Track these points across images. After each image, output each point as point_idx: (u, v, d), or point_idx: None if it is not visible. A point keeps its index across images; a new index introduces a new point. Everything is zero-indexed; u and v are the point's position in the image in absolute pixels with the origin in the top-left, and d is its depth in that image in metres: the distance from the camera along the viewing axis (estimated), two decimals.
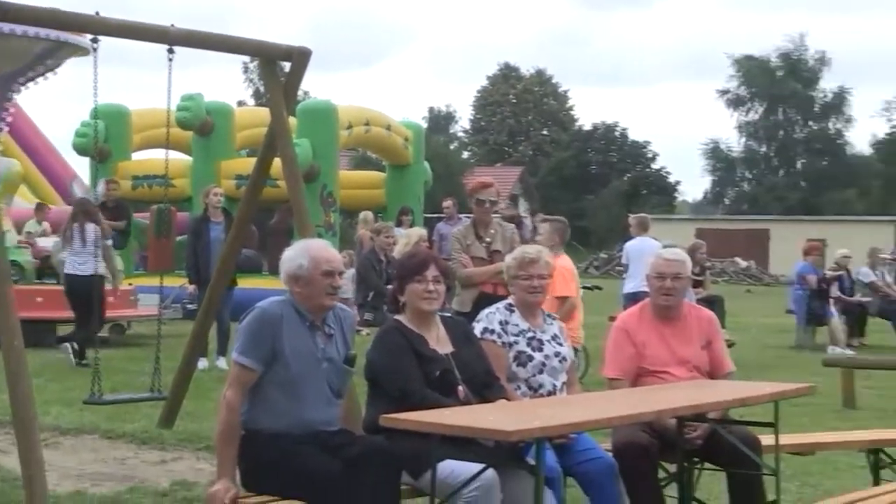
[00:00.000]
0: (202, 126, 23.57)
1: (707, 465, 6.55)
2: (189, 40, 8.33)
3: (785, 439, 6.87)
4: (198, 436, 9.52)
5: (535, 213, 25.37)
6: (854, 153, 76.76)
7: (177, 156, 24.41)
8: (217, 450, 5.67)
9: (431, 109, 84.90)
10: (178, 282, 16.16)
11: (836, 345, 18.75)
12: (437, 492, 5.31)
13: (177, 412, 10.00)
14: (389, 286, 6.73)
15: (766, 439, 6.39)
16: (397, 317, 6.06)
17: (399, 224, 20.76)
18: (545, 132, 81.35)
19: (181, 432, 9.76)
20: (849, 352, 18.16)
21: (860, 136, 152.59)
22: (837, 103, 76.12)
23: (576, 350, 10.14)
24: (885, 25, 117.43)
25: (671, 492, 6.45)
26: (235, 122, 24.60)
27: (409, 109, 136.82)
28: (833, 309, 19.50)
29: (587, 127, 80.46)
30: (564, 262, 10.65)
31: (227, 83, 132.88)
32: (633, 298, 13.58)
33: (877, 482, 7.31)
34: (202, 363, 13.13)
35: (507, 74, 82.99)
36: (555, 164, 75.36)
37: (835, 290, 19.91)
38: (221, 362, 14.14)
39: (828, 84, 76.52)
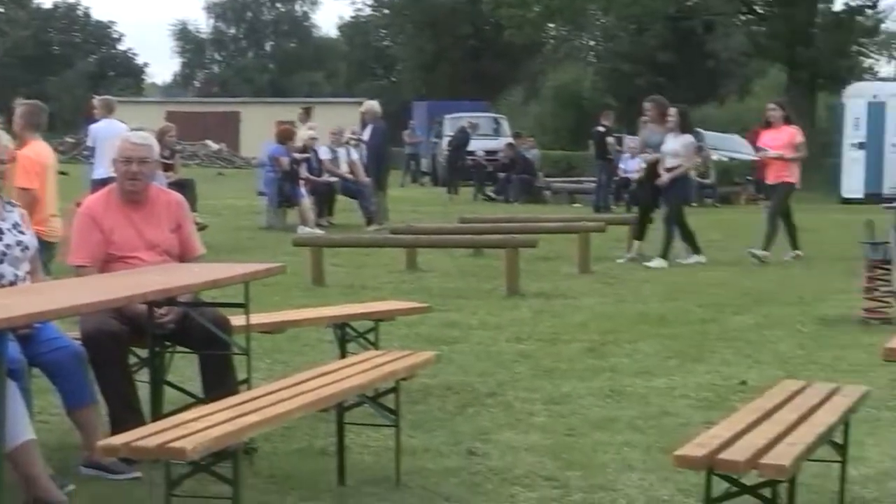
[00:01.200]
0: None
1: (179, 348, 6.53)
2: None
3: (256, 319, 6.96)
4: None
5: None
6: (321, 35, 78.74)
7: None
8: None
9: None
10: None
11: (306, 225, 19.23)
12: None
13: None
14: None
15: (238, 320, 6.44)
16: None
17: None
18: (1, 10, 77.63)
19: None
20: (318, 231, 18.71)
21: (327, 19, 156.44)
22: None
23: (53, 244, 9.80)
24: None
25: (143, 377, 6.40)
26: None
27: None
28: (303, 190, 19.95)
29: (47, 5, 77.80)
30: (30, 151, 10.06)
31: None
32: (103, 184, 13.17)
33: (343, 355, 7.56)
34: None
35: None
36: (12, 44, 72.37)
37: (304, 171, 20.38)
38: None
39: None
